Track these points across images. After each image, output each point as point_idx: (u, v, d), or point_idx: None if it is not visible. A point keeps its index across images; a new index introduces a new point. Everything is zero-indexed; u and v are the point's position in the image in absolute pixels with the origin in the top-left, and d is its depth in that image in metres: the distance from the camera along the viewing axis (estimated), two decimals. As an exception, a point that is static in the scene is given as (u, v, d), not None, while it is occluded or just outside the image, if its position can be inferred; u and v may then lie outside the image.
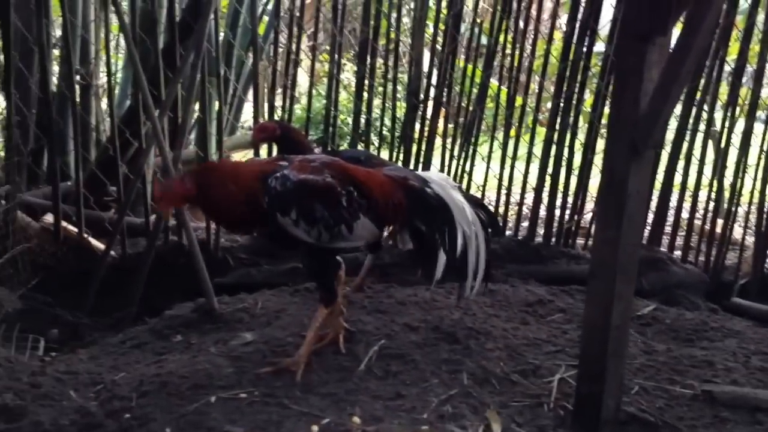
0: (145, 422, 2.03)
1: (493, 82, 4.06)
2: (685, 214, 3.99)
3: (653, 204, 3.87)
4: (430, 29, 4.09)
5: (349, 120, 5.36)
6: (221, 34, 3.77)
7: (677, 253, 3.86)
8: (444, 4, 3.77)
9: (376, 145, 4.10)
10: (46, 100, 3.50)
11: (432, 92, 3.81)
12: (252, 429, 1.95)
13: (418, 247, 2.42)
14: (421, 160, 3.85)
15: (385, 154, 3.97)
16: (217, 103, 3.72)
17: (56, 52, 4.26)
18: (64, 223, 3.52)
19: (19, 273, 3.26)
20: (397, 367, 2.34)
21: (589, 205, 3.94)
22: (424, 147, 3.83)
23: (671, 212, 3.92)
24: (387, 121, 3.98)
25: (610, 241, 1.88)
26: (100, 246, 3.53)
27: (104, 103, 4.49)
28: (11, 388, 2.25)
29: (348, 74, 6.57)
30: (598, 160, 3.78)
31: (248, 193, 2.17)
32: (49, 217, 3.56)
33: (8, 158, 3.45)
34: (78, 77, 3.70)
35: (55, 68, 4.06)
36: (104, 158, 3.74)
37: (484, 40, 4.04)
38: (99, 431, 2.02)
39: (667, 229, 3.93)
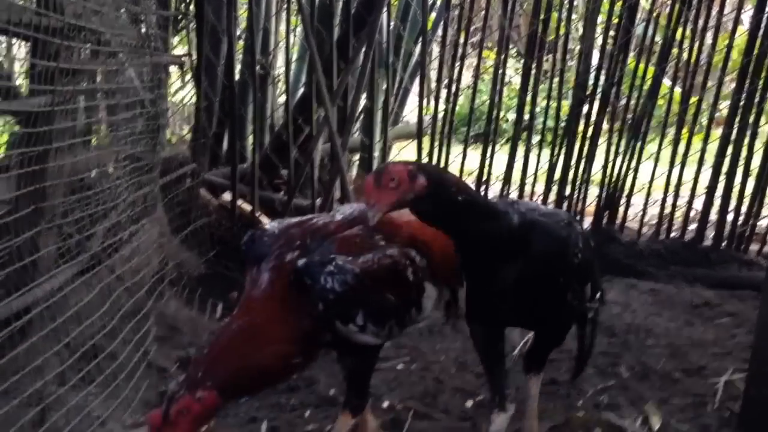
0: (311, 383, 2.18)
1: (665, 82, 3.90)
2: None
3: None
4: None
5: (508, 117, 5.36)
6: (391, 27, 3.89)
7: None
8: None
9: (536, 142, 4.06)
10: (231, 87, 3.78)
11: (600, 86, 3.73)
12: (409, 398, 2.03)
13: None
14: (584, 156, 3.77)
15: (546, 151, 3.93)
16: (383, 94, 3.84)
17: (240, 42, 4.56)
18: (239, 202, 3.79)
19: (200, 244, 3.55)
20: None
21: (767, 210, 3.69)
22: (587, 144, 3.75)
23: None
24: (549, 121, 3.91)
25: (792, 236, 1.77)
26: (270, 225, 3.77)
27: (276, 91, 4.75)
28: (194, 344, 2.49)
29: (509, 71, 6.53)
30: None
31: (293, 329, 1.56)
32: (227, 196, 3.83)
33: (195, 139, 3.76)
34: (258, 66, 3.96)
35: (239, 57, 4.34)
36: (277, 143, 3.98)
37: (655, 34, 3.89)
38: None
39: None
